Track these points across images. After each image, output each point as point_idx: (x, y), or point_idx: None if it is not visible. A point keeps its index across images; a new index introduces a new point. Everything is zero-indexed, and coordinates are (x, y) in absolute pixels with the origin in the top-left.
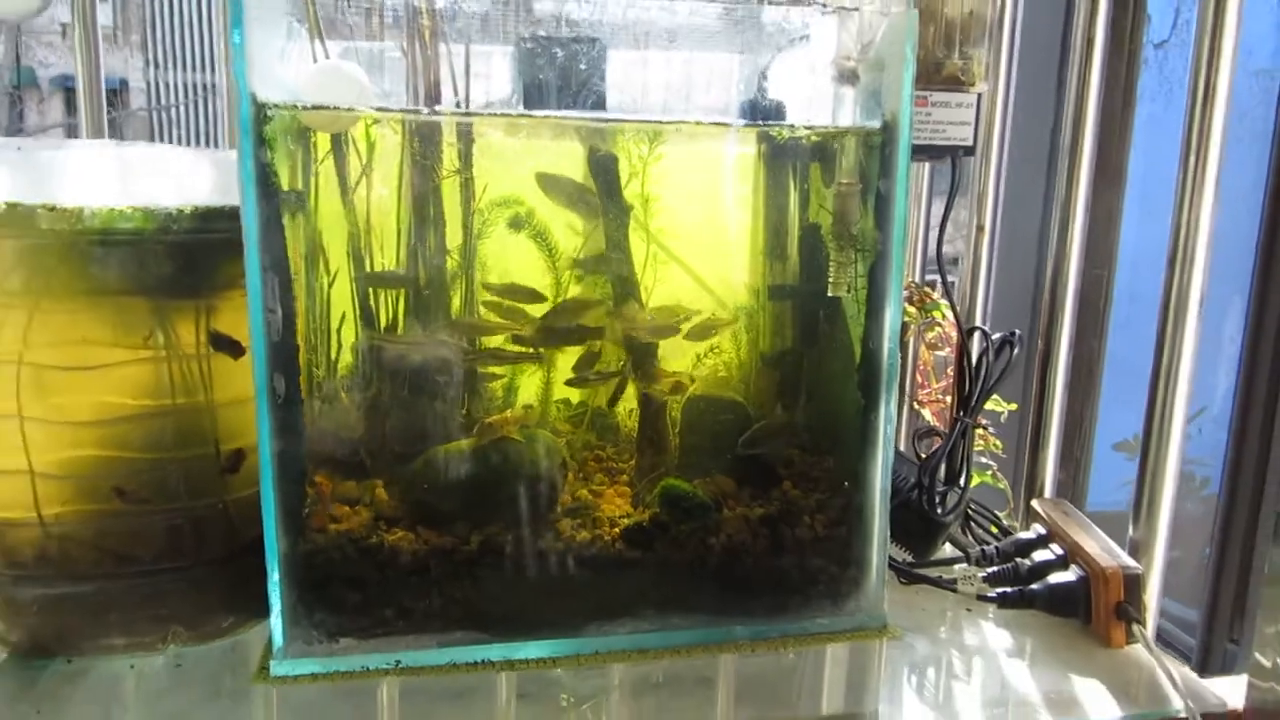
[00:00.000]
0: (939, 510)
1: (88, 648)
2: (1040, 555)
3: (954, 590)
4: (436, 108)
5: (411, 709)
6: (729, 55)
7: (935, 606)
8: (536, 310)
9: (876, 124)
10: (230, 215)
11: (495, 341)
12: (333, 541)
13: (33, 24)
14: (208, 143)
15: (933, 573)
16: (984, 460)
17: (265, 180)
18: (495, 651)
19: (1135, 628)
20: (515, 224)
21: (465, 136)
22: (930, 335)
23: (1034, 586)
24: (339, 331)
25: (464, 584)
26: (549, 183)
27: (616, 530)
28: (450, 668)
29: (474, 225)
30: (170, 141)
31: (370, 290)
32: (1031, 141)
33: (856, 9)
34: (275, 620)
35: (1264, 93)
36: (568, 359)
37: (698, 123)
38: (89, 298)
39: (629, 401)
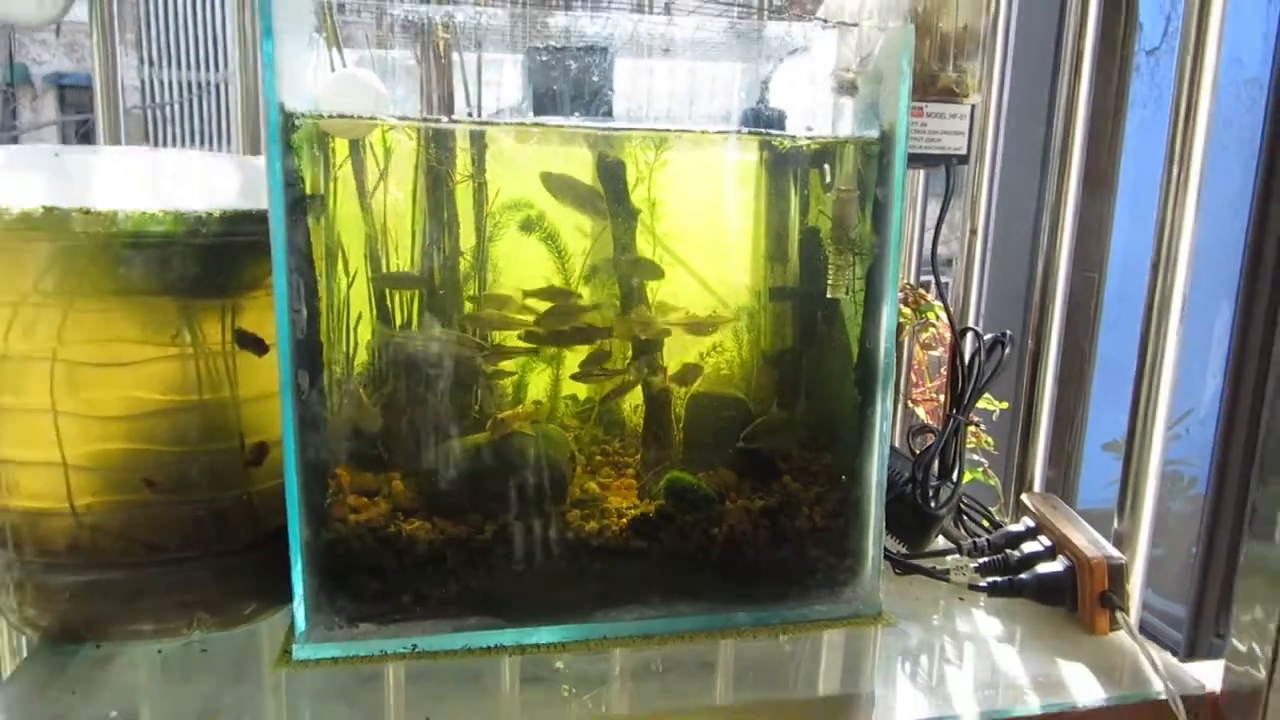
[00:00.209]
0: (932, 504)
1: (116, 633)
2: (1029, 547)
3: (946, 580)
4: (453, 116)
5: (425, 692)
6: (733, 65)
7: (928, 595)
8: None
9: (874, 133)
10: (255, 218)
11: (510, 339)
12: (353, 531)
13: None
14: (203, 141)
15: (926, 563)
16: (976, 457)
17: (292, 185)
18: (508, 636)
19: (1119, 615)
20: (526, 226)
21: (478, 143)
22: (925, 335)
23: (1023, 576)
24: (356, 330)
25: (478, 572)
26: (554, 182)
27: (624, 521)
28: (465, 652)
29: (486, 228)
30: (165, 140)
31: (387, 290)
32: (1026, 147)
33: (855, 24)
34: (298, 606)
35: (1252, 101)
36: (577, 357)
37: (703, 131)
38: (120, 297)
39: (635, 398)
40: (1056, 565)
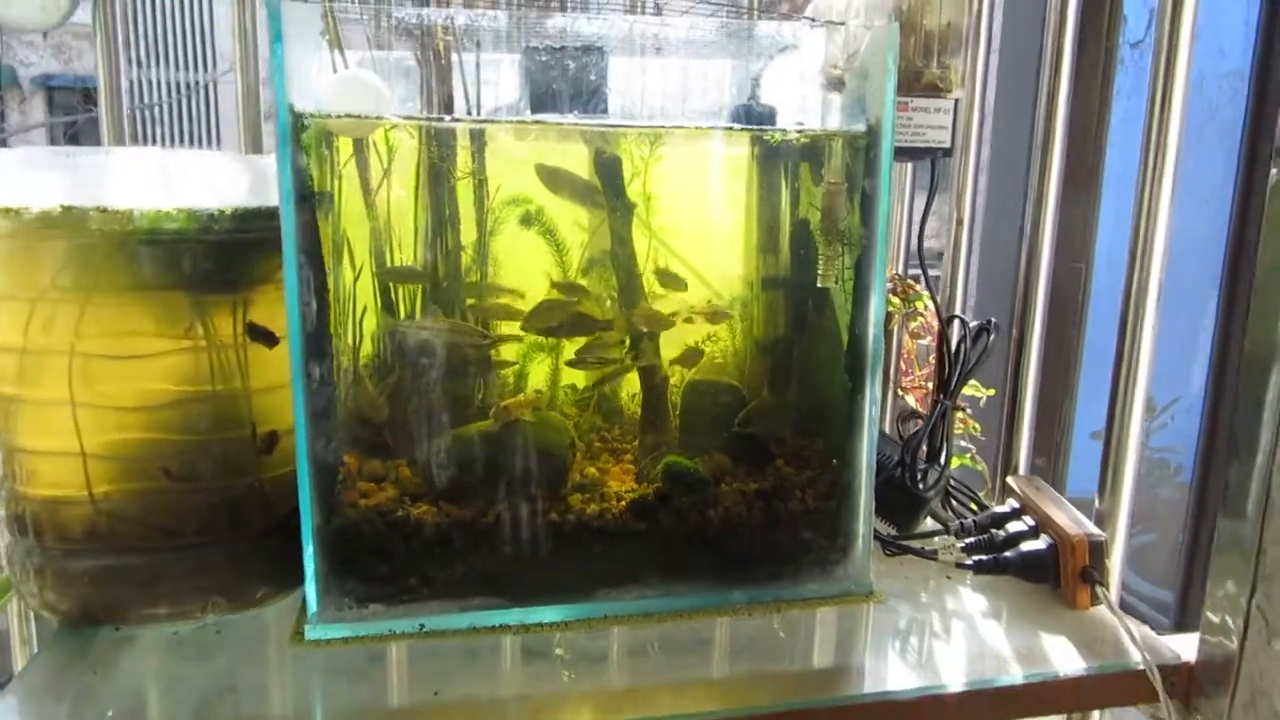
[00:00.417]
0: (920, 486)
1: (133, 616)
2: (1014, 526)
3: (934, 559)
4: (454, 115)
5: (433, 669)
6: (724, 63)
7: (917, 574)
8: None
9: (861, 128)
10: (265, 215)
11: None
12: (362, 516)
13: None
14: (191, 141)
15: (915, 544)
16: (964, 444)
17: (302, 183)
18: (512, 616)
19: (1099, 590)
20: (526, 221)
21: (478, 140)
22: (914, 325)
23: (1007, 554)
24: (361, 322)
25: (483, 554)
26: (548, 174)
27: (623, 504)
28: (470, 631)
29: (487, 223)
30: (153, 140)
31: (391, 283)
32: (1014, 142)
33: (842, 23)
34: (310, 588)
35: (1234, 92)
36: (575, 346)
37: (696, 127)
38: (135, 292)
39: (632, 386)
40: (1040, 543)
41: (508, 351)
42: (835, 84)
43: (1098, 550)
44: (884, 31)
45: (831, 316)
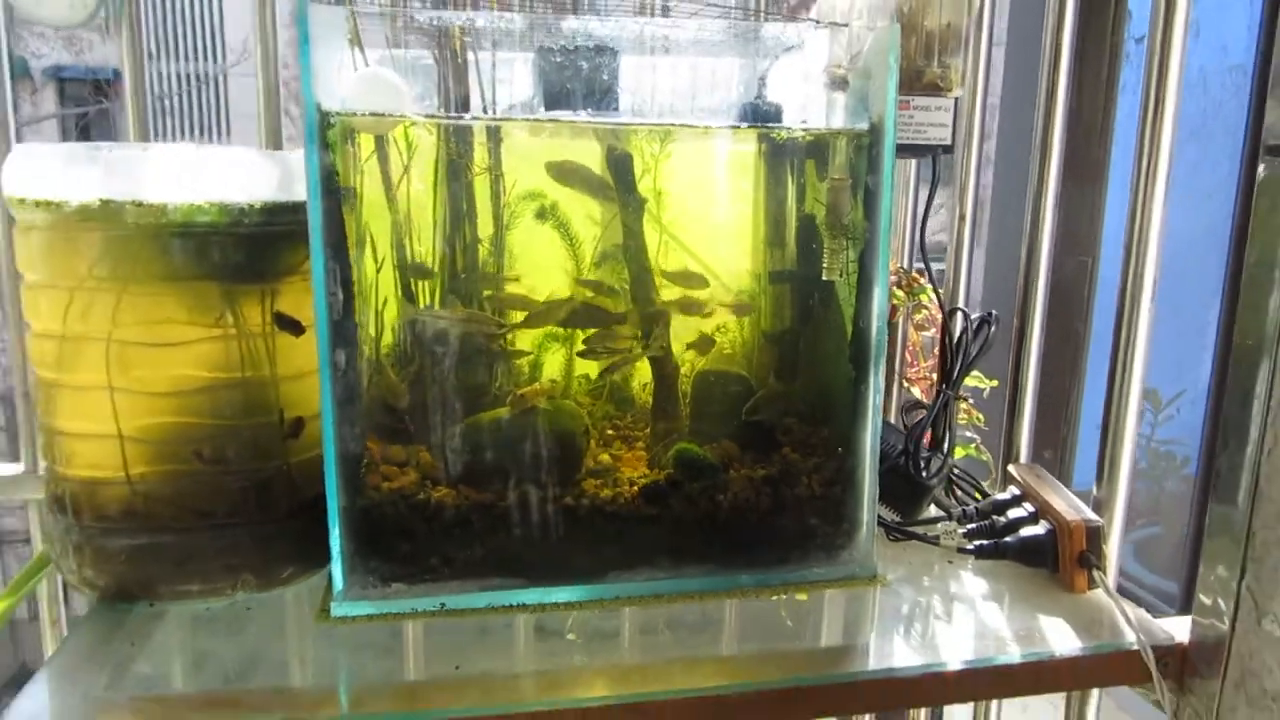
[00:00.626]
0: (923, 474)
1: (166, 593)
2: (1014, 513)
3: (936, 544)
4: (471, 113)
5: (453, 645)
6: (732, 62)
7: (920, 560)
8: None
9: (864, 126)
10: (292, 209)
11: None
12: (385, 498)
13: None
14: (201, 132)
15: (919, 530)
16: (969, 434)
17: (328, 178)
18: (529, 596)
19: (1096, 574)
20: (540, 215)
21: (494, 137)
22: (918, 317)
23: (1007, 540)
24: (383, 312)
25: (500, 536)
26: (557, 170)
27: (635, 489)
28: (488, 610)
29: (504, 217)
30: (164, 131)
31: (413, 275)
32: (1021, 137)
33: (846, 25)
34: (336, 568)
35: (1236, 88)
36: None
37: (705, 127)
38: (169, 282)
39: (644, 376)
40: (1039, 529)
41: (523, 341)
42: (839, 83)
43: (1094, 535)
44: (886, 32)
45: (836, 309)
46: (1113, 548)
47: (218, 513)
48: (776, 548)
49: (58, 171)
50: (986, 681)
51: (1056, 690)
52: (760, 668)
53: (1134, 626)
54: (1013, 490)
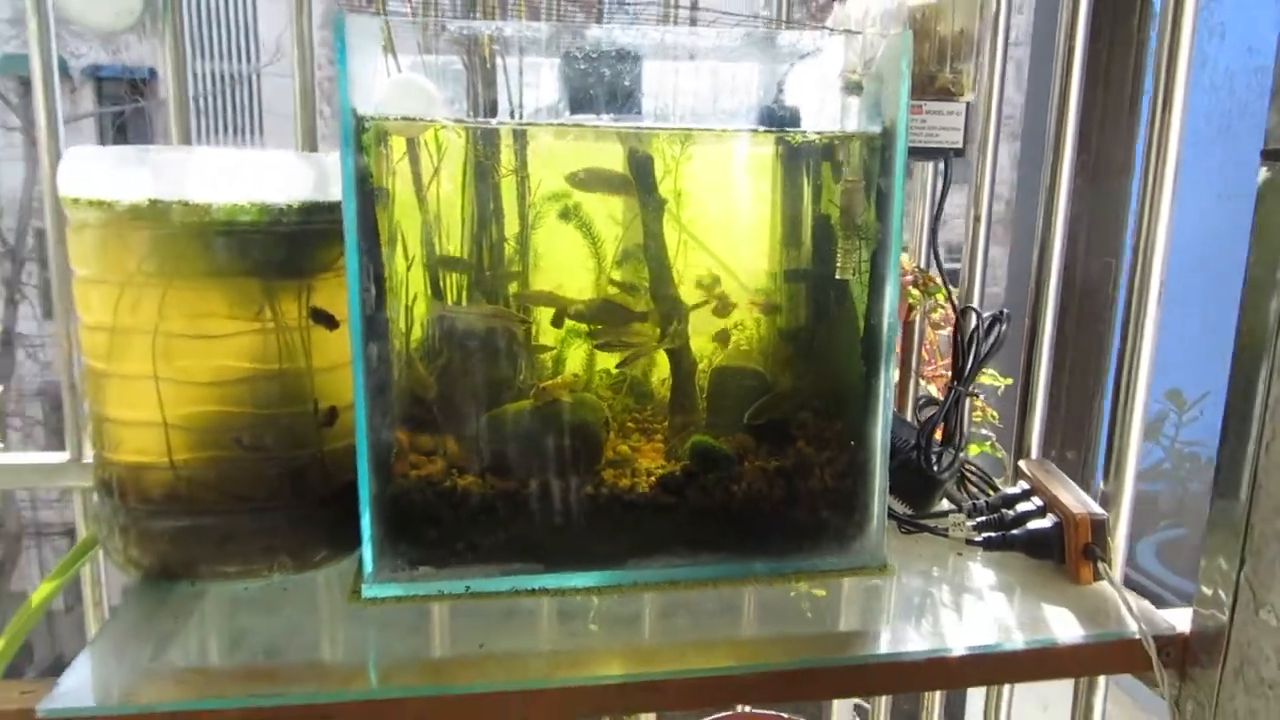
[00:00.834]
0: (935, 468)
1: (206, 573)
2: (1022, 506)
3: (946, 536)
4: (498, 117)
5: (477, 625)
6: (751, 67)
7: (930, 551)
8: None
9: (877, 129)
10: (328, 209)
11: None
12: (414, 485)
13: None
14: (235, 132)
15: (930, 523)
16: (985, 432)
17: (362, 180)
18: (550, 581)
19: (1100, 565)
20: (564, 215)
21: (521, 140)
22: (935, 316)
23: (1015, 532)
24: (413, 307)
25: (523, 523)
26: (578, 179)
27: (653, 479)
28: (511, 593)
29: (529, 216)
30: (198, 130)
31: (440, 272)
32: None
33: (859, 32)
34: (366, 551)
35: (1262, 89)
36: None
37: (723, 130)
38: (211, 278)
39: (662, 371)
40: (1046, 522)
41: (547, 336)
42: (853, 88)
43: (1100, 528)
44: (898, 39)
45: (849, 306)
46: (1119, 541)
47: (256, 497)
48: (789, 537)
49: (109, 173)
50: (990, 667)
51: (1059, 677)
52: (770, 650)
53: (1136, 616)
54: (1022, 485)
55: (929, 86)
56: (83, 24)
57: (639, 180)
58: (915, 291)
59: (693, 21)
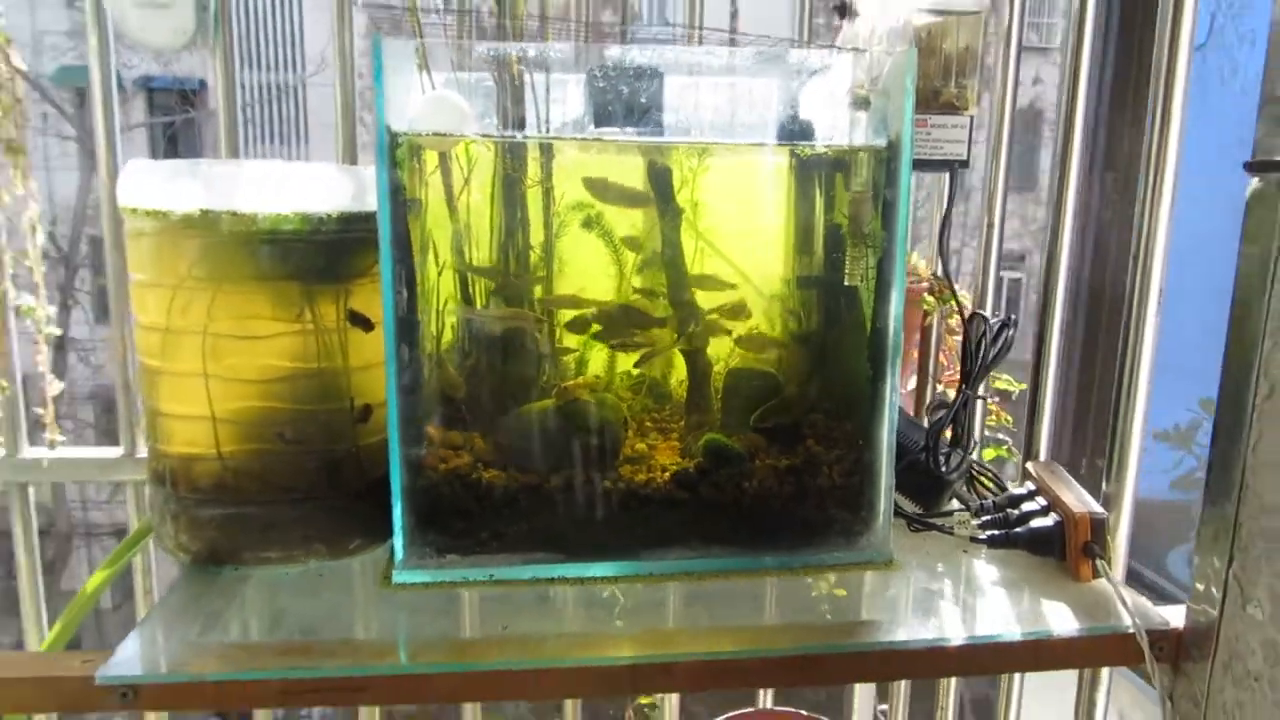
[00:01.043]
0: (943, 469)
1: (250, 558)
2: (1027, 506)
3: (952, 534)
4: (524, 131)
5: (501, 610)
6: (767, 82)
7: (937, 549)
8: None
9: (884, 142)
10: (364, 218)
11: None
12: (442, 479)
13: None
14: (281, 141)
15: (937, 522)
16: (1001, 436)
17: (396, 192)
18: (569, 570)
19: (1099, 563)
20: (587, 224)
21: (546, 153)
22: (953, 321)
23: (1018, 530)
24: (443, 311)
25: (545, 515)
26: (594, 185)
27: (668, 475)
28: (533, 581)
29: (554, 225)
30: (246, 140)
31: (470, 277)
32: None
33: (865, 50)
34: (397, 540)
35: None
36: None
37: (736, 144)
38: (257, 282)
39: (680, 373)
40: (1048, 520)
41: (570, 339)
42: (862, 103)
43: (1099, 526)
44: (903, 58)
45: (858, 311)
46: (1120, 541)
47: (296, 488)
48: (798, 532)
49: (164, 185)
50: (987, 657)
51: (1055, 668)
52: (775, 637)
53: (1130, 610)
54: (1028, 486)
55: (934, 101)
56: (140, 43)
57: (657, 191)
58: (930, 298)
59: (732, 43)
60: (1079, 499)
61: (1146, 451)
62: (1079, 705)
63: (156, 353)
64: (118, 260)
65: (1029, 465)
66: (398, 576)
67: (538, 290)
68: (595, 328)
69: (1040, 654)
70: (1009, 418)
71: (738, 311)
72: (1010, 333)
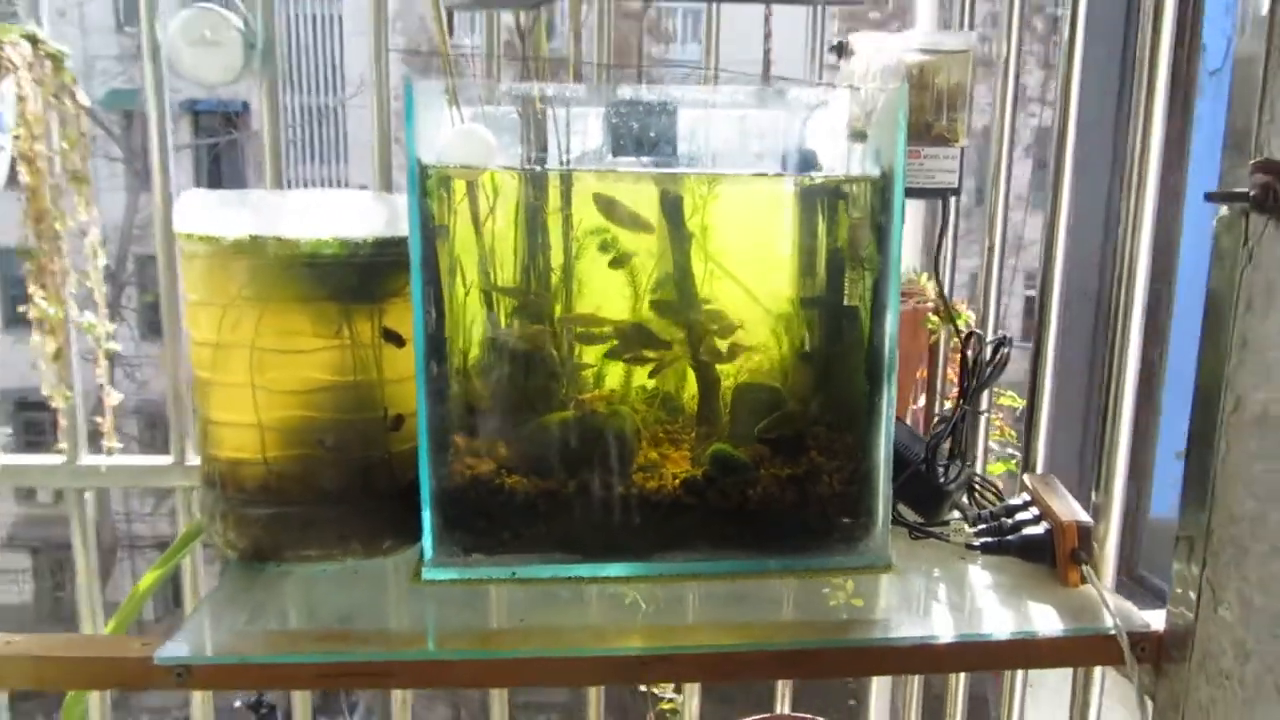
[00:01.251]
0: (942, 480)
1: (290, 556)
2: (1021, 515)
3: (949, 542)
4: (546, 163)
5: (521, 604)
6: (770, 116)
7: (934, 555)
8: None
9: (878, 173)
10: (397, 243)
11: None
12: (468, 483)
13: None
14: (322, 162)
15: (936, 530)
16: (1011, 451)
17: (426, 220)
18: (585, 570)
19: (1086, 569)
20: (604, 247)
21: (566, 182)
22: (955, 341)
23: (1010, 538)
24: (470, 329)
25: (562, 518)
26: (603, 202)
27: (678, 482)
28: (551, 580)
29: (573, 249)
30: (287, 162)
31: (495, 298)
32: (1099, 159)
33: (859, 87)
34: (426, 539)
35: None
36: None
37: (740, 174)
38: (299, 302)
39: (691, 388)
40: (1039, 529)
41: (588, 355)
42: (858, 136)
43: (1086, 534)
44: (896, 93)
45: (856, 330)
46: (1110, 548)
47: (334, 491)
48: (801, 537)
49: (215, 212)
50: (974, 654)
51: (1039, 666)
52: (778, 633)
53: (1112, 613)
54: (1024, 496)
55: (926, 134)
56: (193, 78)
57: (669, 218)
58: (934, 318)
59: (767, 75)
60: (1069, 509)
61: (1168, 470)
62: (1073, 707)
63: (208, 366)
64: (170, 280)
65: (1025, 477)
66: (427, 573)
67: (558, 309)
68: (611, 344)
69: (1026, 653)
70: (1013, 433)
71: (728, 330)
72: (1006, 350)
